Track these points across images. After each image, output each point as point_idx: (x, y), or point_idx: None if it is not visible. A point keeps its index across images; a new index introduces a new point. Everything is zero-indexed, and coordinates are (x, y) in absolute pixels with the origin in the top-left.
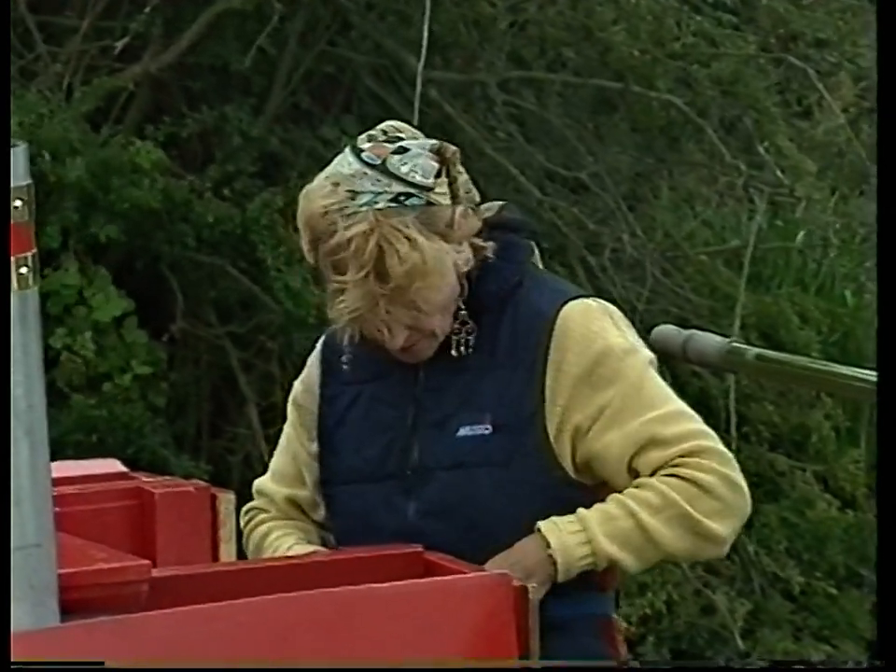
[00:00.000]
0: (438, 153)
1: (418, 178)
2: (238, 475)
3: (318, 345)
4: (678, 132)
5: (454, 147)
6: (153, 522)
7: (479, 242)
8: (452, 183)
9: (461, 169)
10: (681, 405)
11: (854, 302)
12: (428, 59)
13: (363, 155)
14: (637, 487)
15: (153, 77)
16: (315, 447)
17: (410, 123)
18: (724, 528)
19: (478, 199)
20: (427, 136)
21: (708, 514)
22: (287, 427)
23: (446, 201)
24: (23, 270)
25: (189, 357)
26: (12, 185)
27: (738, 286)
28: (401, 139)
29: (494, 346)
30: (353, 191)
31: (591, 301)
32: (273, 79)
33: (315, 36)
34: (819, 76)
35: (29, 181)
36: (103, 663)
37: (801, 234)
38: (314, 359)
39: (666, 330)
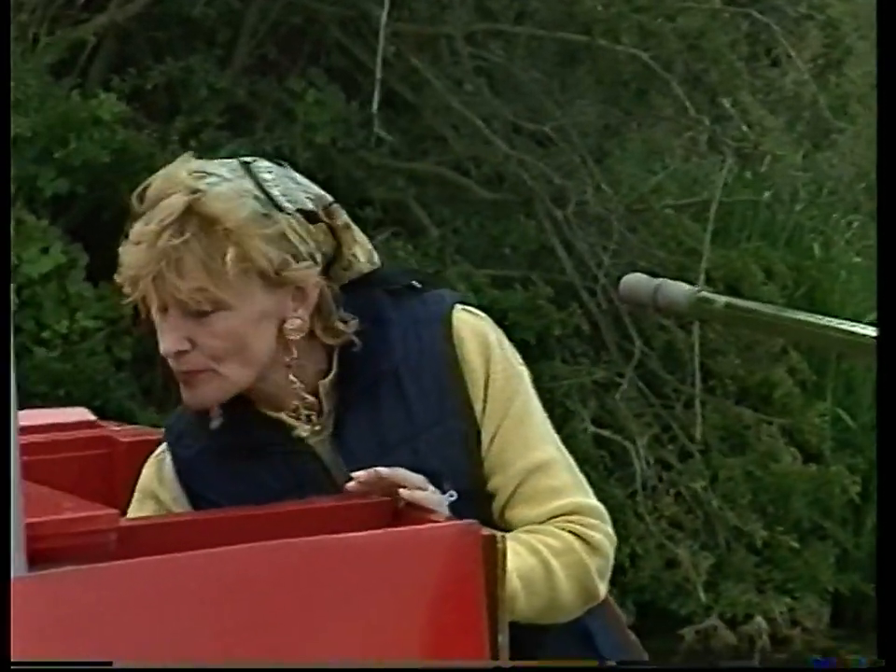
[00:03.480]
0: (325, 209)
1: (275, 192)
2: None
3: (164, 467)
4: (644, 85)
5: (346, 219)
6: (121, 470)
7: (339, 325)
8: (337, 244)
9: (354, 254)
10: (555, 447)
11: (822, 255)
12: (394, 12)
13: (243, 158)
14: (529, 532)
15: (119, 28)
16: None
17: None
18: (604, 590)
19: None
20: (393, 91)
21: (598, 572)
22: None
23: (296, 239)
24: None
25: None
26: None
27: (704, 240)
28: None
29: (400, 398)
30: (206, 172)
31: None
32: (240, 31)
33: None
34: (784, 30)
35: None
36: (111, 662)
37: (768, 189)
38: (162, 486)
39: (636, 279)
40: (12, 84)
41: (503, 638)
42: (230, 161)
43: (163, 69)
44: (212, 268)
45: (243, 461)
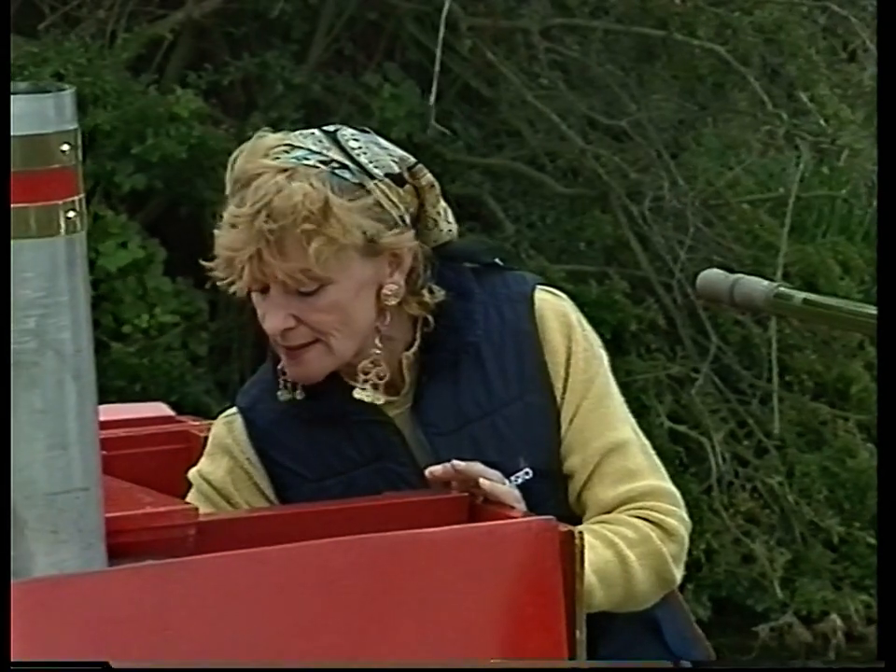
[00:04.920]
0: (409, 171)
1: (364, 159)
2: None
3: (236, 428)
4: (721, 79)
5: (431, 179)
6: None
7: (425, 294)
8: (420, 203)
9: (439, 213)
10: (632, 429)
11: None
12: (471, 6)
13: (325, 127)
14: (603, 522)
15: (196, 24)
16: None
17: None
18: (679, 575)
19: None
20: (470, 85)
21: (673, 558)
22: None
23: (388, 205)
24: (71, 214)
25: (234, 303)
26: (60, 128)
27: (781, 234)
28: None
29: (485, 380)
30: (291, 145)
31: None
32: (316, 26)
33: None
34: (862, 23)
35: (76, 125)
36: (107, 663)
37: (846, 183)
38: (237, 445)
39: (713, 275)
40: (91, 80)
41: (581, 634)
42: (313, 131)
43: (239, 65)
44: (311, 248)
45: (322, 429)
